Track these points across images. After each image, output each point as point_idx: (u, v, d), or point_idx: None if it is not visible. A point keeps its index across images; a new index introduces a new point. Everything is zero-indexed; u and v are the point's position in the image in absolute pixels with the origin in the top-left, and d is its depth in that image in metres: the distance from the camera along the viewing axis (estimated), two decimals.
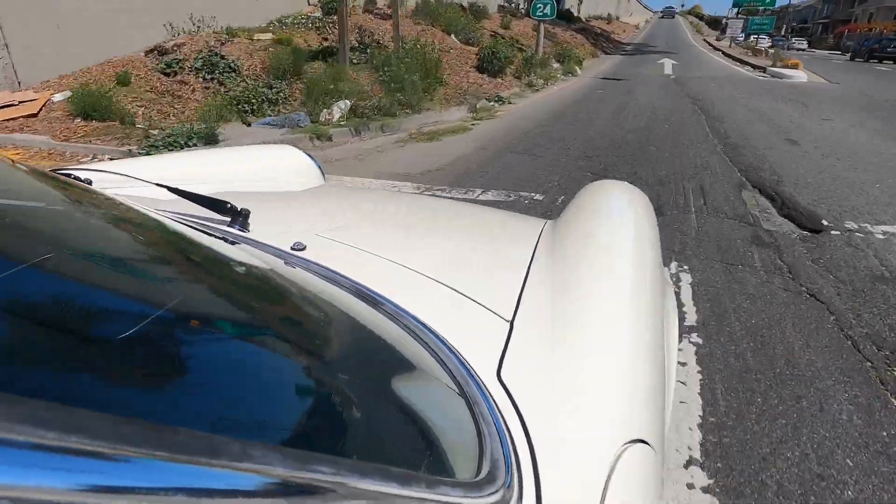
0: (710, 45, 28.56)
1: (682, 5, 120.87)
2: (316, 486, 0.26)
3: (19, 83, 5.48)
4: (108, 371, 0.31)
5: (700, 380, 1.59)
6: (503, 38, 11.59)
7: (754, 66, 15.44)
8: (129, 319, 0.35)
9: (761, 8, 25.04)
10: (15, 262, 0.36)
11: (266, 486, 0.24)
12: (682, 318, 1.91)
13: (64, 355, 0.30)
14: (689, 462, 1.29)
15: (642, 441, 0.48)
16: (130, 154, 3.84)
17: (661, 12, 77.11)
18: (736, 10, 27.01)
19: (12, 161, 0.61)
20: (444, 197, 3.34)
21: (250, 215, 0.79)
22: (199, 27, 6.94)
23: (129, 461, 0.19)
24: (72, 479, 0.17)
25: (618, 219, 0.96)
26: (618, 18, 38.17)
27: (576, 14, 26.31)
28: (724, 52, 21.99)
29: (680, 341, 1.74)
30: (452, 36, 9.73)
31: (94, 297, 0.40)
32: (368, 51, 7.39)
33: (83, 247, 0.48)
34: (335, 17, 7.22)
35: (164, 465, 0.20)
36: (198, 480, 0.21)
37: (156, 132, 4.34)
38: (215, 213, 0.78)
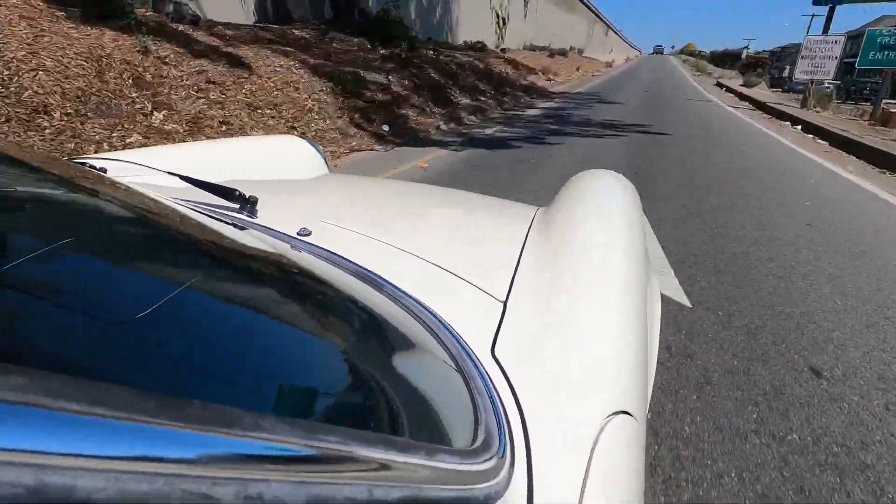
0: (743, 97, 12.98)
1: (673, 46, 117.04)
2: (322, 454, 0.27)
3: None
4: (127, 348, 0.32)
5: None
6: None
7: None
8: (144, 300, 0.37)
9: None
10: (36, 247, 0.38)
11: (276, 454, 0.25)
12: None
13: (84, 334, 0.32)
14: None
15: (626, 412, 0.51)
16: None
17: (652, 50, 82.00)
18: (824, 16, 10.53)
19: (32, 151, 0.64)
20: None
21: (258, 202, 0.83)
22: None
23: (148, 431, 0.21)
24: (94, 447, 0.19)
25: (606, 206, 1.00)
26: (580, 52, 28.02)
27: (458, 41, 14.57)
28: (805, 127, 7.60)
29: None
30: None
31: (112, 278, 0.42)
32: None
33: (100, 232, 0.50)
34: None
35: (180, 435, 0.22)
36: (212, 449, 0.22)
37: None
38: (225, 201, 0.82)
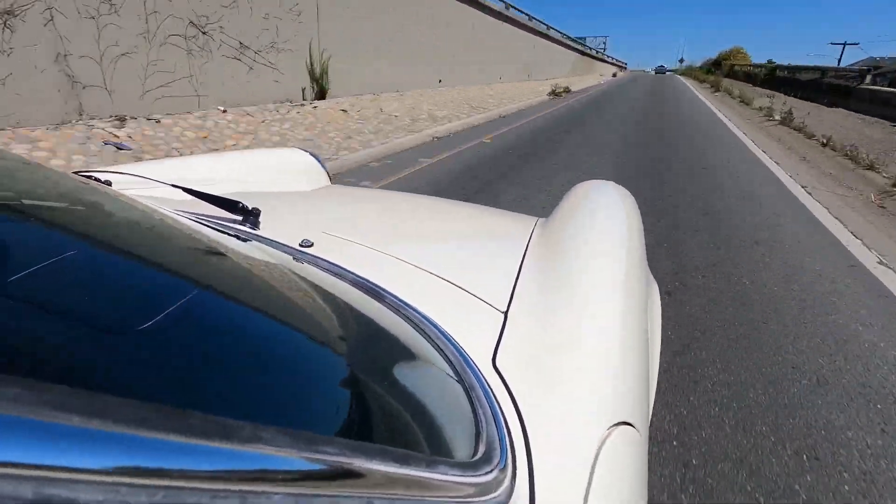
0: None
1: (681, 60, 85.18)
2: (322, 466, 0.27)
3: None
4: (129, 359, 0.32)
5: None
6: None
7: None
8: (147, 312, 0.37)
9: None
10: (42, 259, 0.38)
11: (276, 466, 0.25)
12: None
13: (88, 346, 0.32)
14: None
15: (628, 423, 0.51)
16: None
17: (654, 70, 73.74)
18: None
19: (37, 165, 0.65)
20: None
21: (260, 214, 0.83)
22: None
23: (147, 443, 0.21)
24: (93, 459, 0.18)
25: (606, 216, 1.01)
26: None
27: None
28: None
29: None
30: None
31: (115, 290, 0.42)
32: None
33: (105, 244, 0.50)
34: None
35: (180, 447, 0.21)
36: (211, 461, 0.22)
37: None
38: (228, 213, 0.82)
